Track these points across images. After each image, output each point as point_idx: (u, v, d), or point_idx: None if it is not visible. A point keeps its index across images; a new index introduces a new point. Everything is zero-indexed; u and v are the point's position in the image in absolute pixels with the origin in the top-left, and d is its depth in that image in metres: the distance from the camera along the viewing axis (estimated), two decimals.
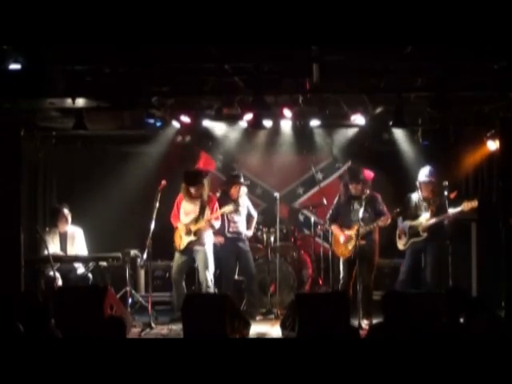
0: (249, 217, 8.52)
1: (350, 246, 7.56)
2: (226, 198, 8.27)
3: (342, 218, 7.79)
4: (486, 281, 8.10)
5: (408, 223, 7.82)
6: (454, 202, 7.63)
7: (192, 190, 7.88)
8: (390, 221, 7.67)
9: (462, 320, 4.59)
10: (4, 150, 6.99)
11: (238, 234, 8.33)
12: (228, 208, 7.97)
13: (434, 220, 7.67)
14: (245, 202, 8.49)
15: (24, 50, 6.00)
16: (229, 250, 8.28)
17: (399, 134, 8.96)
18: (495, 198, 8.52)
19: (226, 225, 8.26)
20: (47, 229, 8.28)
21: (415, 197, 7.88)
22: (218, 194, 8.47)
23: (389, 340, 4.27)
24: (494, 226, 7.53)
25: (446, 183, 7.49)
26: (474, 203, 7.49)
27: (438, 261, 7.74)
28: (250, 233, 8.53)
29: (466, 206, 7.48)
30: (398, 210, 7.73)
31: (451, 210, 7.56)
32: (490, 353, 3.72)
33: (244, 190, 8.48)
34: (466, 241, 8.41)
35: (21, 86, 6.34)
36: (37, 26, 5.17)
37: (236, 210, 8.24)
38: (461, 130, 8.85)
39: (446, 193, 7.49)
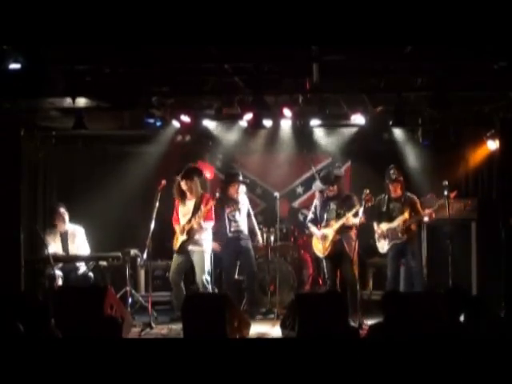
0: (248, 217, 8.47)
1: (327, 243, 7.68)
2: (225, 198, 8.26)
3: (321, 218, 7.87)
4: (486, 281, 8.10)
5: (386, 226, 7.80)
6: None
7: (182, 185, 7.81)
8: (361, 212, 7.37)
9: (461, 320, 4.59)
10: (4, 150, 7.00)
11: (239, 232, 8.31)
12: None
13: (411, 221, 7.70)
14: (244, 201, 8.49)
15: (24, 49, 6.00)
16: (230, 249, 8.26)
17: (399, 133, 8.97)
18: (495, 197, 8.53)
19: (227, 224, 8.25)
20: (47, 230, 8.25)
21: (385, 199, 7.87)
22: (217, 194, 8.47)
23: (388, 340, 4.27)
24: (494, 226, 7.54)
25: (446, 183, 7.49)
26: (442, 201, 7.53)
27: (420, 259, 7.88)
28: (259, 238, 8.59)
29: (439, 203, 7.56)
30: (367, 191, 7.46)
31: (427, 210, 7.66)
32: (490, 353, 3.72)
33: (243, 188, 8.48)
34: (466, 241, 8.40)
35: (21, 86, 6.34)
36: (37, 25, 5.17)
37: (236, 209, 8.25)
38: (461, 130, 8.86)
39: (445, 192, 7.49)
